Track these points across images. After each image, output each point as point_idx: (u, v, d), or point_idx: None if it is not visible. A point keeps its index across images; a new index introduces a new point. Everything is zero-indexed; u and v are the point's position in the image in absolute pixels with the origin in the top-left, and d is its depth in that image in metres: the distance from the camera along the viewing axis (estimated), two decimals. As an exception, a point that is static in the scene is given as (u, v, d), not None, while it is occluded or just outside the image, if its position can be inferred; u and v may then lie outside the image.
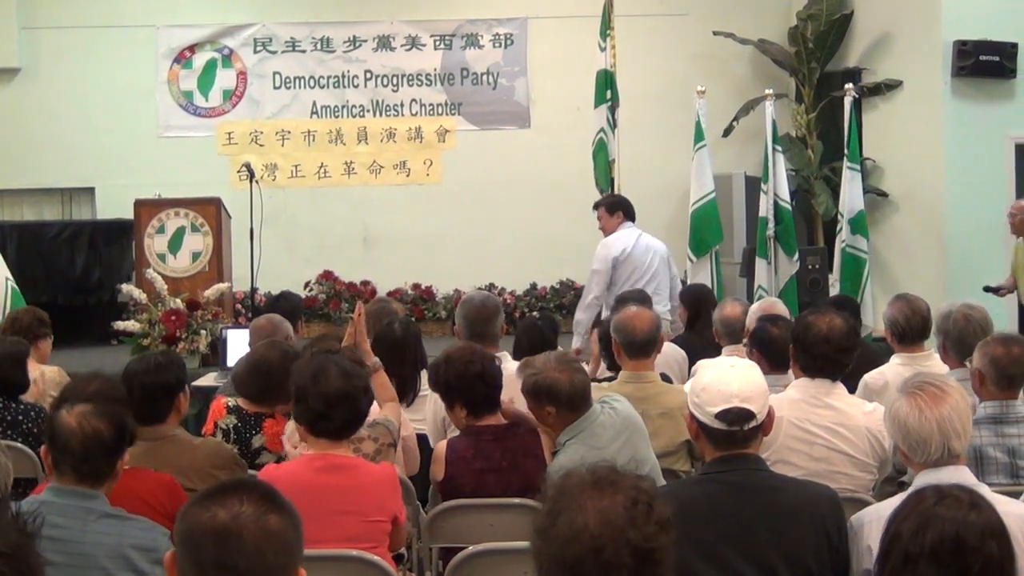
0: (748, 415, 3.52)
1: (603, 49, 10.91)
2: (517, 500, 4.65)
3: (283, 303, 8.14)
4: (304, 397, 4.26)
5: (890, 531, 2.77)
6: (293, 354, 5.62)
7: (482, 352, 5.07)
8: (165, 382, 4.70)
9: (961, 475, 3.51)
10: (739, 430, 3.53)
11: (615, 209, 9.36)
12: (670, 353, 7.01)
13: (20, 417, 5.81)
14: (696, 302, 8.27)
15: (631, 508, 2.35)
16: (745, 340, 6.62)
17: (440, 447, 4.98)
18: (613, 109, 10.79)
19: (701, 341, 7.51)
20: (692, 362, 6.97)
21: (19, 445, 5.48)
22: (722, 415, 3.51)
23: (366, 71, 14.22)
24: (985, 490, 3.52)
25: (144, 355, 5.24)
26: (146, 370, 4.71)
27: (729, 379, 3.57)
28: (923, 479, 3.49)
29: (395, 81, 14.25)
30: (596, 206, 9.55)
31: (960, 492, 2.77)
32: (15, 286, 9.34)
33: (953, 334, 5.79)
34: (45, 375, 6.70)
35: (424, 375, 6.35)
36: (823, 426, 4.65)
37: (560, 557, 2.34)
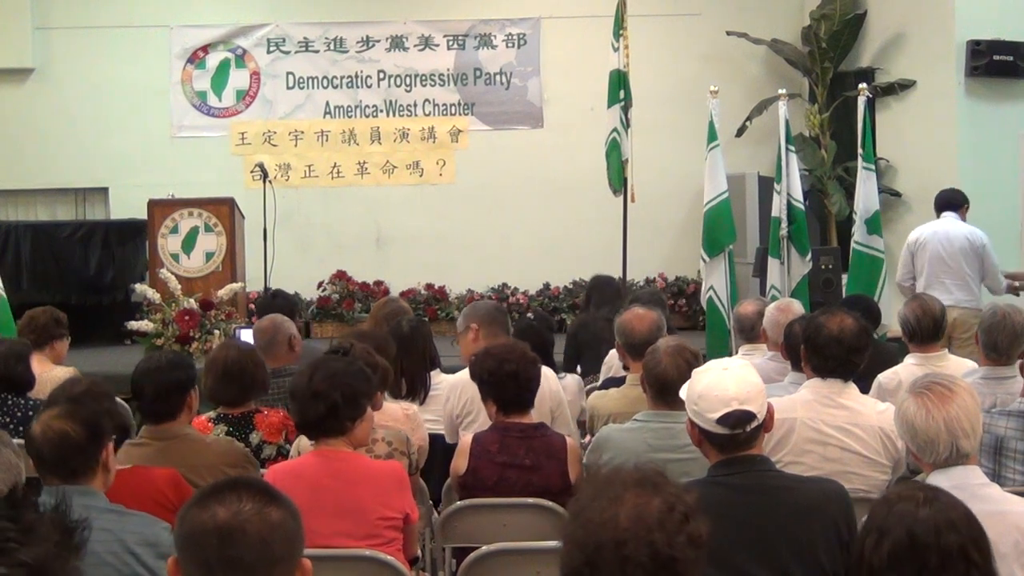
0: (749, 416, 3.51)
1: (616, 49, 10.87)
2: (531, 500, 4.66)
3: (280, 302, 8.16)
4: (295, 398, 4.32)
5: (858, 548, 2.75)
6: (247, 347, 5.66)
7: (522, 353, 5.06)
8: (177, 380, 4.73)
9: (971, 475, 3.51)
10: (742, 432, 3.52)
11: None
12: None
13: (31, 413, 5.82)
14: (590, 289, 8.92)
15: (665, 513, 2.34)
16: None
17: (465, 440, 5.01)
18: (626, 109, 10.76)
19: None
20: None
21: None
22: (723, 420, 3.50)
23: (379, 71, 14.24)
24: (996, 490, 3.51)
25: (152, 355, 5.28)
26: (158, 368, 4.74)
27: (725, 383, 3.56)
28: (934, 480, 3.48)
29: (408, 81, 14.26)
30: None
31: (916, 490, 2.74)
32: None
33: (983, 326, 5.80)
34: (55, 375, 6.66)
35: (435, 374, 6.41)
36: (836, 426, 4.64)
37: (583, 541, 2.34)
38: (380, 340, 5.73)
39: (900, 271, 9.76)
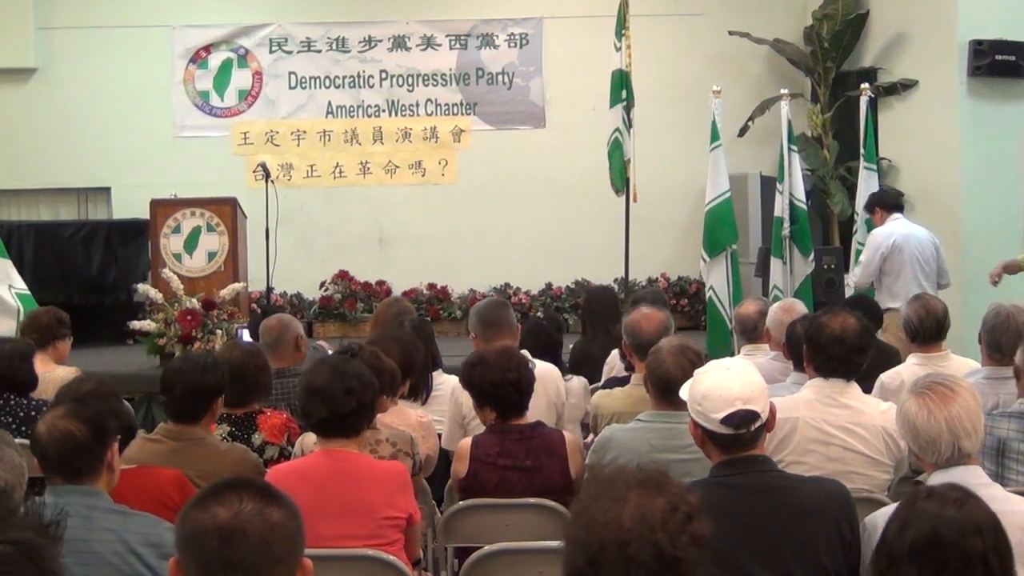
0: (753, 416, 3.51)
1: (618, 49, 10.87)
2: (533, 500, 4.66)
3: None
4: (322, 393, 4.29)
5: (883, 533, 2.78)
6: (253, 349, 5.66)
7: (519, 358, 5.05)
8: (207, 384, 4.76)
9: (973, 475, 3.49)
10: (746, 432, 3.52)
11: (872, 205, 10.14)
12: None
13: (33, 413, 5.83)
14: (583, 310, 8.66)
15: (668, 513, 2.34)
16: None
17: (464, 444, 4.99)
18: (628, 109, 10.76)
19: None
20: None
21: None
22: (728, 420, 3.50)
23: (381, 71, 14.23)
24: (997, 490, 3.51)
25: (191, 355, 5.32)
26: (191, 370, 4.76)
27: (729, 383, 3.56)
28: (936, 480, 3.48)
29: (410, 81, 14.25)
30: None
31: (949, 490, 2.76)
32: (23, 291, 9.31)
33: (986, 326, 5.79)
34: (58, 375, 6.65)
35: (437, 374, 6.41)
36: (839, 426, 4.64)
37: (586, 542, 2.33)
38: (408, 345, 5.75)
39: (866, 272, 9.75)
